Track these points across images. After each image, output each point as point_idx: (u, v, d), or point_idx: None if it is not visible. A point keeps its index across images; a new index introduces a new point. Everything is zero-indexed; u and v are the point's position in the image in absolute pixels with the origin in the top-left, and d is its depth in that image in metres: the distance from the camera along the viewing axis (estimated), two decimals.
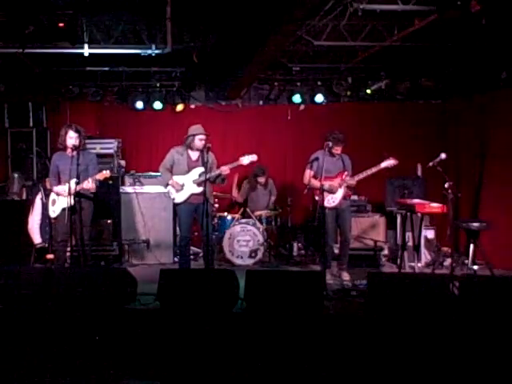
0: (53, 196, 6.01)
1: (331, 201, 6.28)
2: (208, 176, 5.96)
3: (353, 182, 6.33)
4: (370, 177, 6.31)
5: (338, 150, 6.37)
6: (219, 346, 4.23)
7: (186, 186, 6.18)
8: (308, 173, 6.51)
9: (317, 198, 6.39)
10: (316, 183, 6.28)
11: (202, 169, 6.09)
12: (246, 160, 6.08)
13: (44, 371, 3.90)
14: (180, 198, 6.22)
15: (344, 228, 6.50)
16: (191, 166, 6.20)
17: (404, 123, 8.77)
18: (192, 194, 6.14)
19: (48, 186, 6.06)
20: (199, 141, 6.16)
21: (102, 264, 7.39)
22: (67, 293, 5.07)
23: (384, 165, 6.19)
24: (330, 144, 6.24)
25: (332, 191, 6.26)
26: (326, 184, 6.16)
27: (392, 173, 6.90)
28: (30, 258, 6.99)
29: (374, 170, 6.21)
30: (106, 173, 5.85)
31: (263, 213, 7.89)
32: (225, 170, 6.07)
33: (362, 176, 6.25)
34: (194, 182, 6.13)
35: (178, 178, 6.21)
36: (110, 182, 7.50)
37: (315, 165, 6.41)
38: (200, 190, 6.06)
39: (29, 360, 4.07)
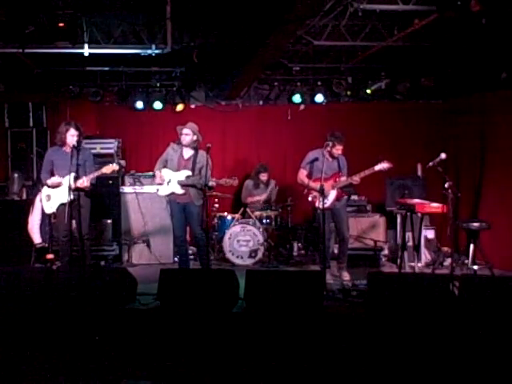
0: (47, 191, 5.99)
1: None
2: (193, 182, 6.07)
3: (346, 183, 6.32)
4: (369, 177, 6.29)
5: (339, 149, 6.34)
6: (219, 345, 4.23)
7: (171, 183, 6.21)
8: (302, 172, 6.50)
9: (310, 198, 6.42)
10: (311, 184, 6.30)
11: (189, 172, 6.15)
12: (227, 182, 6.11)
13: (44, 371, 3.89)
14: (162, 191, 6.31)
15: (341, 227, 6.47)
16: (181, 165, 6.23)
17: (404, 123, 8.77)
18: (173, 193, 6.20)
19: (43, 181, 6.04)
20: (180, 134, 6.23)
21: (101, 264, 7.40)
22: (67, 293, 5.07)
23: (378, 168, 6.17)
24: (330, 144, 6.22)
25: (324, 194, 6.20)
26: (319, 186, 6.15)
27: (392, 173, 6.89)
28: (30, 258, 6.99)
29: (367, 172, 6.18)
30: (113, 166, 5.90)
31: (263, 213, 7.90)
32: (212, 184, 6.06)
33: (355, 178, 6.22)
34: (178, 182, 6.16)
35: (167, 172, 6.25)
36: (110, 181, 7.53)
37: (310, 165, 6.39)
38: (182, 191, 6.14)
39: (29, 360, 4.07)
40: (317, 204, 6.21)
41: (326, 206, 6.14)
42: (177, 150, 6.30)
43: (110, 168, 5.89)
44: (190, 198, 6.09)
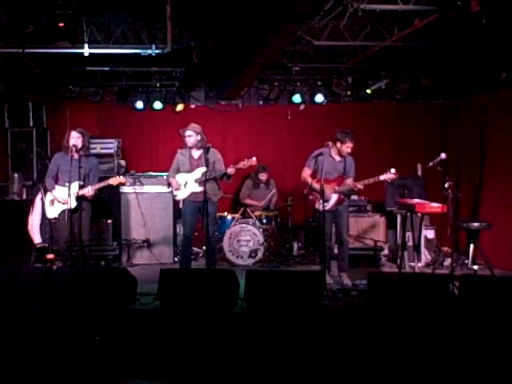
0: (51, 196, 6.01)
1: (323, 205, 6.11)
2: (210, 176, 6.05)
3: (348, 188, 6.20)
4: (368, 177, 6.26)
5: (349, 147, 6.11)
6: (219, 345, 4.23)
7: (188, 184, 6.25)
8: (306, 171, 6.30)
9: (311, 197, 6.33)
10: (314, 184, 6.15)
11: (205, 168, 6.12)
12: (245, 164, 6.09)
13: (44, 371, 3.89)
14: (181, 195, 6.34)
15: (340, 229, 6.30)
16: (194, 165, 6.26)
17: (404, 123, 8.77)
18: (192, 193, 6.20)
19: (48, 187, 6.06)
20: (183, 137, 6.26)
21: (101, 264, 7.40)
22: (67, 293, 5.07)
23: (383, 178, 6.02)
24: (340, 141, 6.08)
25: (324, 197, 6.07)
26: (319, 188, 6.09)
27: None
28: (30, 258, 7.00)
29: (371, 180, 6.05)
30: (121, 178, 5.93)
31: (263, 213, 7.90)
32: (231, 170, 6.11)
33: (358, 185, 6.09)
34: (196, 181, 6.18)
35: (181, 176, 6.30)
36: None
37: (314, 163, 6.18)
38: (200, 189, 6.11)
39: (29, 360, 4.07)
40: (317, 205, 6.13)
41: (326, 208, 6.06)
42: (185, 153, 6.35)
43: (116, 180, 5.93)
44: (208, 195, 6.04)
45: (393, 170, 6.01)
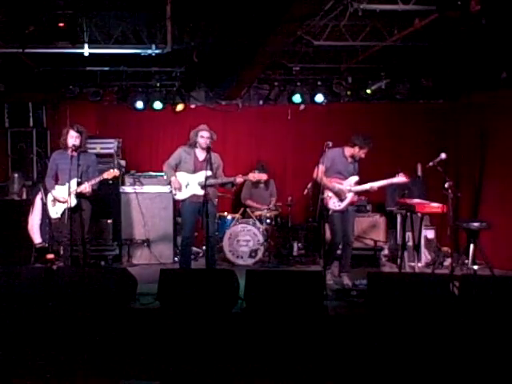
0: (51, 196, 6.01)
1: (337, 204, 6.10)
2: (216, 182, 6.13)
3: (363, 189, 6.18)
4: (369, 177, 6.26)
5: (364, 153, 6.17)
6: (219, 345, 4.24)
7: (190, 185, 6.20)
8: (320, 168, 6.08)
9: (322, 196, 6.25)
10: (326, 182, 6.02)
11: (209, 173, 6.08)
12: (255, 177, 6.23)
13: (44, 371, 3.90)
14: (181, 195, 6.26)
15: (346, 229, 6.23)
16: (198, 167, 6.22)
17: (404, 123, 8.77)
18: (194, 195, 6.17)
19: (48, 188, 6.06)
20: (201, 138, 6.20)
21: (101, 264, 7.40)
22: (67, 293, 5.07)
23: (396, 180, 6.07)
24: (359, 146, 6.08)
25: (340, 196, 6.09)
26: (336, 187, 6.06)
27: (392, 173, 6.89)
28: (30, 258, 7.00)
29: (385, 182, 6.11)
30: (115, 171, 5.94)
31: (263, 213, 7.90)
32: (239, 180, 6.14)
33: (374, 186, 6.12)
34: (199, 184, 6.14)
35: (183, 176, 6.23)
36: (110, 181, 7.54)
37: (327, 162, 6.08)
38: (203, 192, 6.09)
39: (29, 360, 4.07)
40: (330, 205, 6.06)
41: (339, 208, 6.09)
42: (190, 152, 6.29)
43: (111, 174, 5.92)
44: (209, 198, 6.06)
45: (402, 174, 6.09)
